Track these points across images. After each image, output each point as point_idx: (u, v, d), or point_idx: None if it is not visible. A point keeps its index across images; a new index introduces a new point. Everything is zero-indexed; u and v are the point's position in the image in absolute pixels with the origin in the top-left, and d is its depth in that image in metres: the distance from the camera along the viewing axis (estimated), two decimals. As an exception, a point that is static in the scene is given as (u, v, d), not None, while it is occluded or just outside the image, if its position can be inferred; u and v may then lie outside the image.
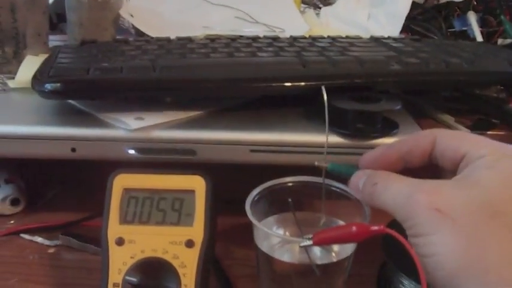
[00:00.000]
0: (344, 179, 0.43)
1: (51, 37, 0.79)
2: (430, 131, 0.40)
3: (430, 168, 0.39)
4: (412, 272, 0.49)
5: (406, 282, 0.51)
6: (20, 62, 0.67)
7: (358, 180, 0.40)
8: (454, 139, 0.38)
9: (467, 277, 0.32)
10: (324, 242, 0.39)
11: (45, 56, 0.65)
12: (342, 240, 0.39)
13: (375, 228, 0.37)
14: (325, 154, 0.46)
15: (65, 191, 0.71)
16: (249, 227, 0.45)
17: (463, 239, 0.32)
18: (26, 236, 0.62)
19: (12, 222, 0.65)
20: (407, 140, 0.40)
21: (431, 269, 0.34)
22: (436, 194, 0.34)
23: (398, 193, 0.36)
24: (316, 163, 0.44)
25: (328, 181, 0.46)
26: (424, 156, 0.39)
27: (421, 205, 0.34)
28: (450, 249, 0.32)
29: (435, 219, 0.33)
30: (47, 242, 0.61)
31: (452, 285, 0.33)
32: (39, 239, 0.61)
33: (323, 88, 0.47)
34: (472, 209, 0.33)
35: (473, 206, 0.33)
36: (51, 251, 0.60)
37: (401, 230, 0.37)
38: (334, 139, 0.51)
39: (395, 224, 0.38)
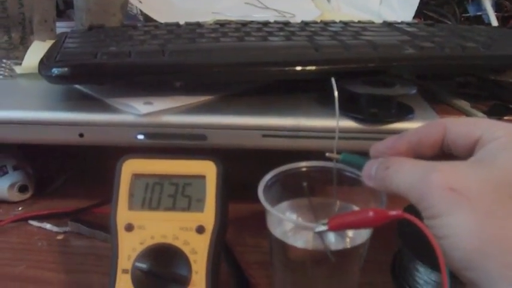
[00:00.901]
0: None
1: (58, 23, 0.78)
2: (440, 120, 0.40)
3: (442, 158, 0.38)
4: (428, 258, 0.48)
5: (421, 269, 0.50)
6: (26, 48, 0.67)
7: (371, 168, 0.39)
8: (465, 125, 0.37)
9: (485, 258, 0.31)
10: (340, 228, 0.38)
11: (52, 41, 0.64)
12: (358, 225, 0.38)
13: (393, 213, 0.36)
14: (336, 141, 0.45)
15: (74, 177, 0.71)
16: (261, 213, 0.44)
17: (480, 219, 0.31)
18: (35, 223, 0.61)
19: (20, 209, 0.65)
20: (417, 130, 0.40)
21: (447, 251, 0.33)
22: (451, 174, 0.33)
23: (411, 174, 0.35)
24: (327, 154, 0.43)
25: (342, 166, 0.45)
26: (435, 146, 0.38)
27: (436, 185, 0.33)
28: (466, 229, 0.31)
29: (450, 199, 0.32)
30: (55, 229, 0.60)
31: (470, 267, 0.32)
32: (47, 226, 0.61)
33: (332, 79, 0.46)
34: (489, 188, 0.32)
35: (490, 185, 0.32)
36: (60, 237, 0.59)
37: (419, 216, 0.36)
38: (348, 124, 0.50)
39: (411, 210, 0.37)
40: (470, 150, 0.36)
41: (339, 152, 0.43)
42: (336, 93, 0.45)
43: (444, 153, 0.38)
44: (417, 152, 0.39)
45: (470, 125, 0.37)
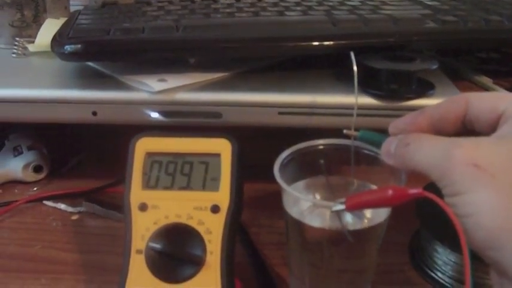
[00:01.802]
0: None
1: (72, 1, 0.77)
2: (461, 95, 0.37)
3: (464, 134, 0.36)
4: (447, 239, 0.47)
5: (440, 249, 0.49)
6: (39, 26, 0.66)
7: (390, 145, 0.38)
8: (488, 100, 0.36)
9: (509, 237, 0.30)
10: (358, 207, 0.36)
11: (66, 19, 0.64)
12: (377, 204, 0.36)
13: (413, 191, 0.35)
14: (355, 118, 0.43)
15: (89, 157, 0.71)
16: (276, 193, 0.43)
17: (504, 196, 0.30)
18: (49, 203, 0.61)
19: (35, 189, 0.64)
20: (438, 106, 0.38)
21: (470, 230, 0.31)
22: (474, 150, 0.32)
23: (433, 151, 0.34)
24: (345, 131, 0.42)
25: (361, 144, 0.44)
26: (457, 121, 0.37)
27: (459, 161, 0.31)
28: (489, 207, 0.30)
29: (473, 176, 0.31)
30: (70, 209, 0.60)
31: (493, 246, 0.30)
32: (62, 206, 0.60)
33: (351, 54, 0.44)
34: None
35: None
36: (74, 217, 0.59)
37: (440, 194, 0.35)
38: (367, 101, 0.49)
39: (431, 188, 0.36)
40: (494, 125, 0.35)
41: (357, 129, 0.42)
42: (355, 68, 0.43)
43: (466, 129, 0.37)
44: (438, 128, 0.37)
45: (493, 100, 0.36)
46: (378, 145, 0.39)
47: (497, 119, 0.35)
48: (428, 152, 0.34)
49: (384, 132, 0.41)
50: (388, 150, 0.38)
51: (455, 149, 0.32)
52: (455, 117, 0.37)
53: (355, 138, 0.42)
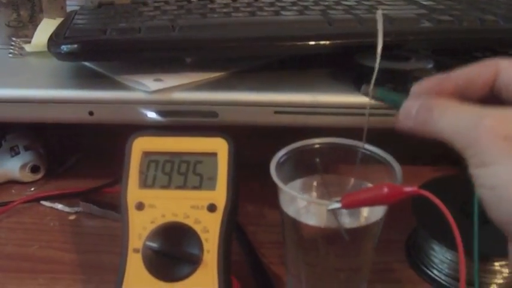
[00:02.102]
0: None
1: (68, 2, 0.77)
2: (493, 60, 0.35)
3: (489, 102, 0.33)
4: (444, 237, 0.47)
5: (437, 248, 0.49)
6: (36, 26, 0.66)
7: (411, 107, 0.35)
8: None
9: None
10: (354, 205, 0.37)
11: (62, 19, 0.64)
12: (372, 202, 0.37)
13: (408, 189, 0.35)
14: (374, 79, 0.41)
15: (85, 157, 0.71)
16: (273, 193, 0.43)
17: None
18: (47, 203, 0.61)
19: (32, 189, 0.65)
20: (467, 69, 0.36)
21: (492, 203, 0.30)
22: (504, 121, 0.30)
23: (459, 118, 0.32)
24: (361, 90, 0.40)
25: (356, 142, 0.44)
26: (485, 88, 0.35)
27: (488, 132, 0.30)
28: None
29: (502, 148, 0.30)
30: (67, 209, 0.60)
31: None
32: (59, 206, 0.61)
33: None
34: None
35: None
36: (71, 217, 0.59)
37: (435, 192, 0.35)
38: (363, 99, 0.49)
39: (428, 186, 0.36)
40: None
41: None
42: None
43: (492, 97, 0.35)
44: (463, 93, 0.35)
45: None
46: (396, 105, 0.38)
47: None
48: (454, 120, 0.32)
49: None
50: (409, 112, 0.36)
51: (485, 118, 0.31)
52: (483, 83, 0.35)
53: (373, 97, 0.40)
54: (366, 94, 0.40)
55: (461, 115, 0.32)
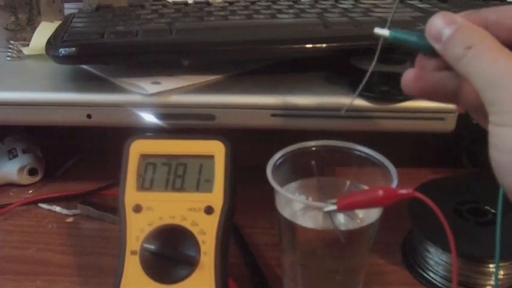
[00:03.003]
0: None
1: (66, 5, 0.77)
2: None
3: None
4: (439, 239, 0.48)
5: (432, 250, 0.49)
6: (34, 29, 0.66)
7: (442, 28, 0.32)
8: None
9: None
10: (349, 207, 0.37)
11: (60, 22, 0.64)
12: (367, 204, 0.37)
13: (403, 191, 0.36)
14: (391, 18, 0.38)
15: (83, 160, 0.71)
16: (270, 195, 0.43)
17: None
18: (45, 206, 0.62)
19: (30, 192, 0.65)
20: (496, 9, 0.33)
21: (505, 170, 0.29)
22: None
23: (495, 68, 0.30)
24: (375, 30, 0.37)
25: (352, 145, 0.44)
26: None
27: None
28: None
29: None
30: (65, 211, 0.60)
31: None
32: (57, 209, 0.61)
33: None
34: None
35: None
36: (69, 220, 0.59)
37: (430, 194, 0.35)
38: (359, 102, 0.49)
39: (423, 189, 0.36)
40: None
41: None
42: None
43: None
44: (491, 33, 0.32)
45: None
46: (413, 45, 0.36)
47: None
48: (489, 68, 0.30)
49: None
50: (438, 34, 0.33)
51: None
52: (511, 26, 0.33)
53: (386, 39, 0.37)
54: (378, 36, 0.37)
55: (498, 63, 0.30)
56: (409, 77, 0.36)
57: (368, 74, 0.40)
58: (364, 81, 0.40)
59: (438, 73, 0.35)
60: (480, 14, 0.34)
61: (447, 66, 0.33)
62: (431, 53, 0.34)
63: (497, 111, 0.29)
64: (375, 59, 0.39)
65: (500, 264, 0.47)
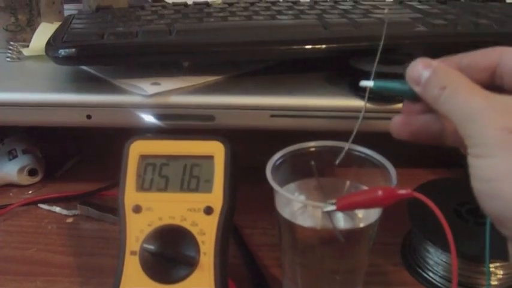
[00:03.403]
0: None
1: (66, 6, 0.78)
2: (496, 47, 0.35)
3: (489, 88, 0.33)
4: (439, 240, 0.48)
5: (432, 250, 0.49)
6: (34, 30, 0.66)
7: (420, 72, 0.35)
8: None
9: None
10: (348, 207, 0.37)
11: (60, 23, 0.64)
12: (367, 205, 0.37)
13: (402, 192, 0.36)
14: (374, 69, 0.40)
15: (83, 160, 0.71)
16: (269, 195, 0.43)
17: None
18: (44, 206, 0.62)
19: (30, 192, 0.65)
20: (469, 53, 0.36)
21: (487, 197, 0.30)
22: (507, 112, 0.30)
23: (468, 104, 0.31)
24: (360, 83, 0.39)
25: (352, 146, 0.44)
26: (487, 73, 0.35)
27: (491, 124, 0.30)
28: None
29: (503, 140, 0.29)
30: (65, 212, 0.60)
31: (510, 217, 0.29)
32: (57, 209, 0.61)
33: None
34: None
35: None
36: (69, 220, 0.60)
37: (430, 195, 0.35)
38: (358, 103, 0.49)
39: (423, 189, 0.36)
40: None
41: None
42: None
43: (493, 83, 0.35)
44: (466, 76, 0.34)
45: None
46: (397, 92, 0.38)
47: None
48: (463, 104, 0.32)
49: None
50: (417, 78, 0.35)
51: (490, 110, 0.30)
52: (485, 67, 0.35)
53: (370, 89, 0.39)
54: (364, 88, 0.39)
55: (469, 100, 0.31)
56: (397, 123, 0.38)
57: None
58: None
59: (423, 116, 0.37)
60: (454, 59, 0.36)
61: (430, 109, 0.36)
62: (414, 97, 0.36)
63: (473, 144, 0.31)
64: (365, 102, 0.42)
65: (500, 264, 0.47)
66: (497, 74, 0.35)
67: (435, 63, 0.35)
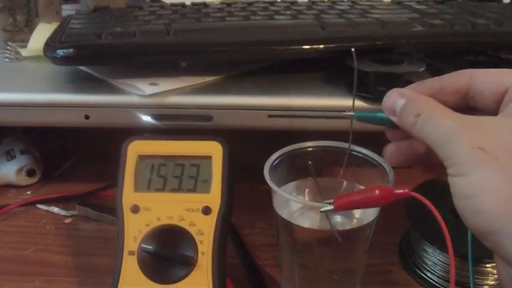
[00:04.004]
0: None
1: (64, 6, 0.78)
2: (465, 70, 0.36)
3: (463, 110, 0.34)
4: (436, 240, 0.48)
5: (429, 250, 0.49)
6: (32, 31, 0.66)
7: (395, 102, 0.36)
8: (493, 75, 0.35)
9: (509, 222, 0.29)
10: (346, 207, 0.37)
11: (58, 24, 0.64)
12: (364, 204, 0.37)
13: (399, 191, 0.36)
14: (353, 99, 0.42)
15: (81, 161, 0.71)
16: (267, 195, 0.44)
17: (506, 180, 0.29)
18: (43, 207, 0.62)
19: (28, 193, 0.65)
20: (440, 77, 0.37)
21: (469, 213, 0.31)
22: (481, 132, 0.31)
23: (441, 127, 0.33)
24: (342, 114, 0.41)
25: (351, 146, 0.44)
26: (458, 95, 0.36)
27: (465, 143, 0.31)
28: (490, 190, 0.29)
29: (477, 158, 0.30)
30: (63, 212, 0.61)
31: (493, 231, 0.30)
32: (55, 209, 0.61)
33: (353, 50, 0.44)
34: None
35: None
36: (67, 221, 0.60)
37: (427, 194, 0.36)
38: (356, 103, 0.49)
39: (420, 189, 0.37)
40: (498, 100, 0.34)
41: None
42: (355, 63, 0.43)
43: (466, 104, 0.36)
44: (438, 100, 0.36)
45: (499, 75, 0.35)
46: (378, 122, 0.39)
47: (502, 94, 0.34)
48: (437, 128, 0.33)
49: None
50: (392, 108, 0.37)
51: (462, 130, 0.32)
52: (456, 90, 0.36)
53: (353, 119, 0.41)
54: (347, 118, 0.41)
55: (443, 123, 0.33)
56: (389, 151, 0.40)
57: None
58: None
59: (408, 140, 0.39)
60: (425, 84, 0.37)
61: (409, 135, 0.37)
62: (394, 125, 0.37)
63: (451, 164, 0.32)
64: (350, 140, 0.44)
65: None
66: (469, 96, 0.36)
67: (408, 92, 0.37)
